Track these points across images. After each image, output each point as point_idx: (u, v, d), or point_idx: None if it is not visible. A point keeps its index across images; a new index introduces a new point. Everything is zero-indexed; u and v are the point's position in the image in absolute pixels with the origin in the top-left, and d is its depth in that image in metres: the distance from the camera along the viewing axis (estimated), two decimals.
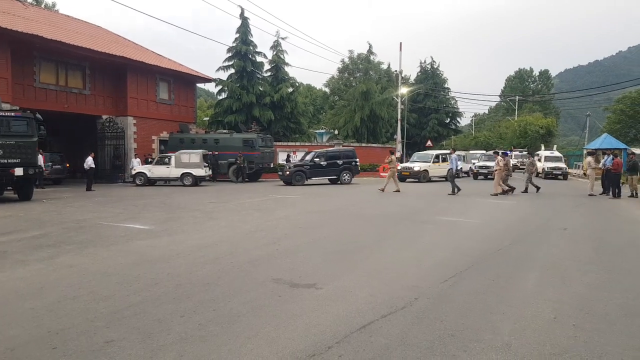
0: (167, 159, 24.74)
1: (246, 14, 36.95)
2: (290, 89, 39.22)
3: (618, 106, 51.86)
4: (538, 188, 19.71)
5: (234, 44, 37.06)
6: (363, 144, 39.22)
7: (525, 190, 19.45)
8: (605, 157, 19.92)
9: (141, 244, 8.17)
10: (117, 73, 28.06)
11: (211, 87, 56.64)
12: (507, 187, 18.67)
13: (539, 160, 33.58)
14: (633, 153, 20.04)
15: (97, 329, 4.19)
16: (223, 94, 38.18)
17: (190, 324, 4.30)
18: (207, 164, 24.82)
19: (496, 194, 18.10)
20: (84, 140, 28.94)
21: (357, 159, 26.64)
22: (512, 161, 41.69)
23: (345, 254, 7.48)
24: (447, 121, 60.23)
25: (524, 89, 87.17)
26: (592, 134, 59.34)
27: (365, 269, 6.44)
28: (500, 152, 20.93)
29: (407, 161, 37.03)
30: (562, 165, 32.34)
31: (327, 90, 60.70)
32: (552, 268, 6.60)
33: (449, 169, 19.39)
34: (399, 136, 40.45)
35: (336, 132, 48.07)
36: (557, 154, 36.04)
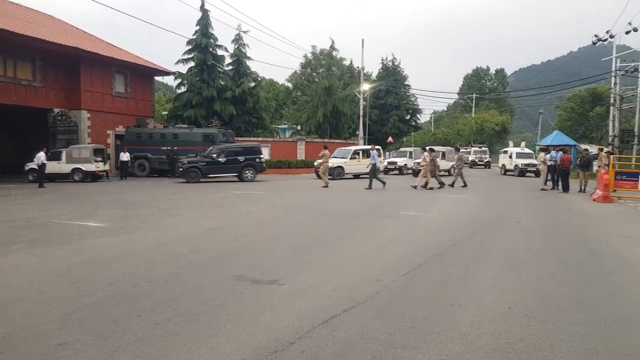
0: (59, 154, 23.64)
1: (207, 6, 36.36)
2: (253, 84, 38.82)
3: (569, 104, 53.84)
4: (465, 184, 20.25)
5: (194, 37, 36.36)
6: (326, 140, 39.29)
7: (452, 185, 20.06)
8: (553, 152, 20.58)
9: (96, 242, 7.92)
10: (70, 65, 27.04)
11: (170, 81, 55.23)
12: (437, 182, 19.40)
13: (510, 156, 33.33)
14: (587, 150, 20.83)
15: (48, 332, 4.04)
16: (182, 87, 37.41)
17: (148, 324, 4.20)
18: (100, 159, 23.83)
19: (415, 186, 19.17)
20: (34, 135, 27.81)
21: (262, 155, 25.35)
22: (471, 157, 42.19)
23: (307, 249, 7.49)
24: (408, 118, 61.06)
25: (480, 87, 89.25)
26: (544, 131, 61.35)
27: (327, 264, 6.46)
28: (427, 148, 21.42)
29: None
30: (534, 162, 31.31)
31: (289, 85, 60.52)
32: (507, 260, 6.80)
33: (371, 164, 19.61)
34: (361, 132, 40.72)
35: (299, 127, 47.97)
36: (527, 150, 36.10)
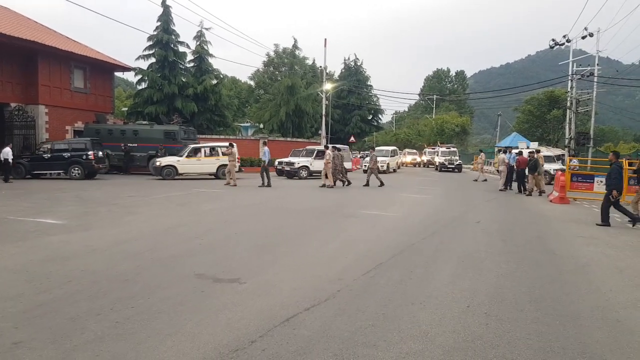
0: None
1: (168, 2, 35.66)
2: (215, 81, 38.35)
3: (527, 107, 55.63)
4: (381, 183, 20.63)
5: (155, 33, 35.62)
6: (289, 139, 39.22)
7: (381, 184, 20.34)
8: (508, 154, 21.23)
9: (53, 240, 7.68)
10: (27, 58, 26.03)
11: (130, 77, 53.79)
12: (341, 180, 19.89)
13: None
14: (533, 152, 21.47)
15: (3, 330, 3.91)
16: (143, 83, 36.59)
17: (107, 322, 4.11)
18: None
19: (324, 185, 19.50)
20: None
21: (90, 152, 22.84)
22: (438, 159, 41.42)
23: (270, 247, 7.46)
24: (370, 118, 61.58)
25: (441, 88, 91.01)
26: (503, 132, 63.00)
27: (289, 263, 6.46)
28: (330, 146, 21.77)
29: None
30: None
31: (252, 83, 60.12)
32: (466, 259, 6.95)
33: (263, 160, 19.78)
34: (323, 131, 40.83)
35: (261, 126, 47.73)
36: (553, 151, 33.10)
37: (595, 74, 34.49)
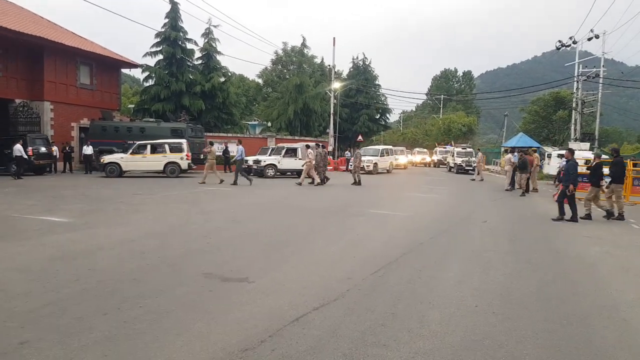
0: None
1: None
2: (222, 79, 38.32)
3: (533, 107, 55.39)
4: (358, 182, 20.60)
5: (163, 29, 35.65)
6: (296, 137, 39.22)
7: (357, 183, 20.38)
8: (514, 154, 21.15)
9: (59, 238, 7.69)
10: (34, 54, 26.08)
11: (137, 73, 54.01)
12: (318, 178, 19.74)
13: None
14: (522, 151, 21.26)
15: (9, 330, 3.91)
16: (150, 80, 36.62)
17: (115, 322, 4.11)
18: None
19: (300, 183, 19.46)
20: None
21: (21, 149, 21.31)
22: (452, 160, 39.86)
23: (278, 246, 7.46)
24: (378, 117, 61.46)
25: (448, 88, 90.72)
26: (509, 132, 62.70)
27: (297, 262, 6.46)
28: (311, 144, 21.62)
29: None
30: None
31: (260, 81, 60.03)
32: (474, 258, 6.93)
33: (237, 159, 19.51)
34: (331, 130, 40.82)
35: (269, 124, 47.73)
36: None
37: (601, 76, 34.31)
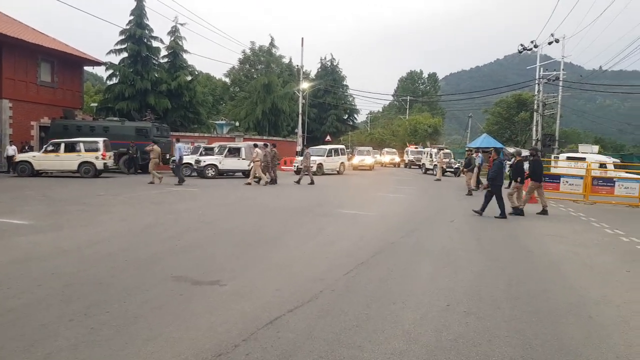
0: None
1: None
2: (189, 77, 37.78)
3: (496, 109, 56.77)
4: (299, 182, 20.93)
5: (128, 27, 34.87)
6: (265, 137, 39.00)
7: (312, 182, 20.65)
8: (478, 155, 21.67)
9: (21, 241, 7.40)
10: None
11: (101, 71, 52.74)
12: (266, 178, 19.83)
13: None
14: (469, 150, 21.66)
15: None
16: (114, 78, 35.77)
17: (81, 328, 3.96)
18: None
19: (249, 183, 19.51)
20: None
21: None
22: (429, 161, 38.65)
23: (250, 248, 7.38)
24: (346, 117, 61.78)
25: (414, 89, 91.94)
26: (473, 133, 64.00)
27: (270, 263, 6.40)
28: (259, 144, 21.63)
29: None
30: None
31: (227, 80, 59.45)
32: (444, 258, 7.03)
33: (173, 159, 19.31)
34: (299, 130, 40.78)
35: (237, 124, 47.32)
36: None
37: (561, 79, 35.39)
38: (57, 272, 5.62)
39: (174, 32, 37.41)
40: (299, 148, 38.42)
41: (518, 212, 12.58)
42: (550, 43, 33.46)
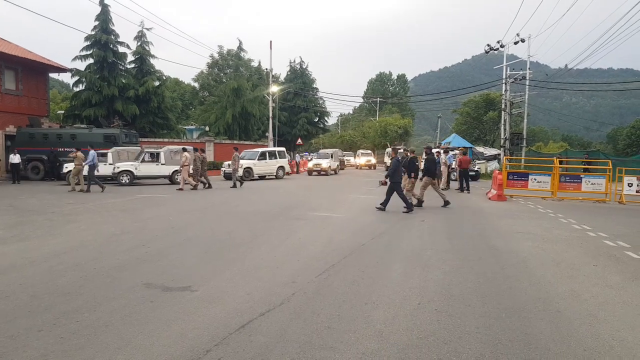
0: None
1: (107, 1, 34.45)
2: (157, 83, 37.41)
3: (464, 109, 57.81)
4: (241, 183, 21.34)
5: (93, 32, 34.35)
6: (235, 141, 38.79)
7: (234, 186, 21.03)
8: (448, 155, 22.01)
9: None
10: None
11: (66, 78, 51.71)
12: (193, 182, 19.79)
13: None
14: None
15: None
16: (80, 85, 35.15)
17: (51, 338, 3.91)
18: None
19: (181, 189, 19.35)
20: None
21: None
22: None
23: (220, 253, 7.35)
24: (316, 120, 61.93)
25: (384, 91, 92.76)
26: (442, 133, 64.97)
27: (241, 268, 6.38)
28: (188, 148, 21.39)
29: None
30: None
31: (196, 85, 58.94)
32: (414, 257, 7.12)
33: (89, 165, 18.59)
34: (270, 134, 40.70)
35: (207, 128, 46.94)
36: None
37: (527, 78, 36.21)
38: (24, 283, 5.52)
39: (140, 37, 37.03)
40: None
41: (419, 204, 13.86)
42: (516, 43, 34.23)
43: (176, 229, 9.70)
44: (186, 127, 52.59)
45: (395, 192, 12.86)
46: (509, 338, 4.06)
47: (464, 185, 19.97)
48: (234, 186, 20.94)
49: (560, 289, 5.64)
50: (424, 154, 15.46)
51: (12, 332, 4.05)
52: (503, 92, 38.43)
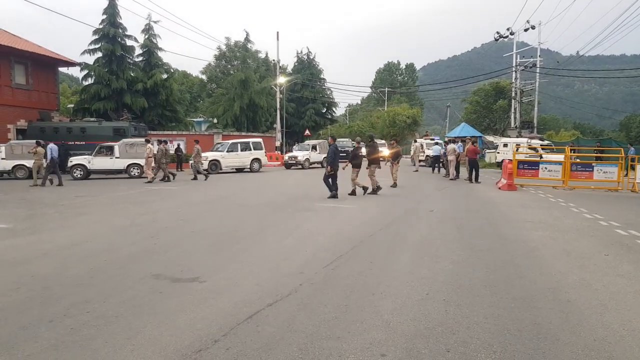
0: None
1: None
2: (165, 75, 37.43)
3: (474, 98, 57.30)
4: (206, 176, 21.20)
5: (101, 26, 34.40)
6: (243, 133, 38.83)
7: (195, 178, 20.99)
8: (458, 144, 21.87)
9: None
10: None
11: (76, 72, 52.04)
12: (152, 174, 19.75)
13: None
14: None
15: None
16: (89, 79, 35.29)
17: (62, 329, 3.95)
18: None
19: (150, 181, 19.42)
20: None
21: None
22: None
23: (228, 244, 7.38)
24: (324, 111, 61.79)
25: (392, 81, 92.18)
26: (452, 123, 64.59)
27: (249, 259, 6.40)
28: (155, 140, 21.31)
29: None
30: None
31: (204, 77, 58.98)
32: (423, 247, 7.10)
33: (50, 159, 18.30)
34: (278, 125, 40.70)
35: (215, 120, 47.04)
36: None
37: (538, 65, 35.83)
38: (36, 275, 5.58)
39: (147, 30, 37.04)
40: (277, 143, 38.39)
41: (368, 190, 14.22)
42: (526, 30, 33.92)
43: (185, 221, 9.74)
44: (194, 119, 52.70)
45: (331, 178, 13.42)
46: (518, 328, 4.04)
47: (474, 175, 19.83)
48: (195, 178, 20.84)
49: (571, 278, 5.59)
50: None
51: (24, 322, 4.10)
52: (513, 80, 38.11)
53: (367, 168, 14.89)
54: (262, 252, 6.88)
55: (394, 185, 16.76)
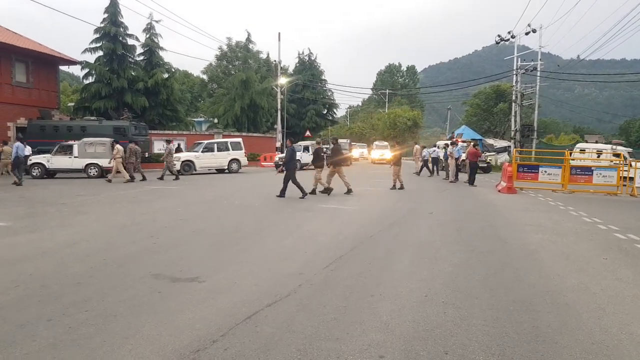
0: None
1: None
2: (166, 75, 37.47)
3: (475, 100, 57.42)
4: (176, 176, 21.30)
5: (103, 25, 34.44)
6: (244, 133, 38.84)
7: (161, 177, 20.81)
8: (456, 147, 21.88)
9: None
10: None
11: (76, 71, 52.07)
12: (128, 175, 19.57)
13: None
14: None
15: None
16: (90, 77, 35.31)
17: (60, 328, 3.95)
18: None
19: (109, 180, 19.15)
20: None
21: None
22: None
23: (228, 244, 7.38)
24: (325, 112, 61.90)
25: (393, 83, 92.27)
26: (452, 125, 64.59)
27: (248, 259, 6.40)
28: (118, 141, 20.71)
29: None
30: None
31: (205, 77, 59.03)
32: (422, 249, 7.10)
33: (17, 157, 17.86)
34: (279, 126, 40.68)
35: (216, 120, 47.07)
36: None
37: (539, 69, 35.83)
38: (34, 273, 5.58)
39: (149, 29, 37.08)
40: (278, 144, 38.39)
41: (328, 191, 14.53)
42: (527, 33, 33.90)
43: (184, 220, 9.74)
44: (195, 119, 52.73)
45: (290, 180, 13.54)
46: (517, 331, 4.04)
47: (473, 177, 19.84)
48: (161, 178, 20.66)
49: (570, 282, 5.59)
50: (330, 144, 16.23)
51: (22, 321, 4.10)
52: (514, 84, 38.08)
53: (328, 167, 15.36)
54: (261, 252, 6.89)
55: (401, 187, 16.76)
